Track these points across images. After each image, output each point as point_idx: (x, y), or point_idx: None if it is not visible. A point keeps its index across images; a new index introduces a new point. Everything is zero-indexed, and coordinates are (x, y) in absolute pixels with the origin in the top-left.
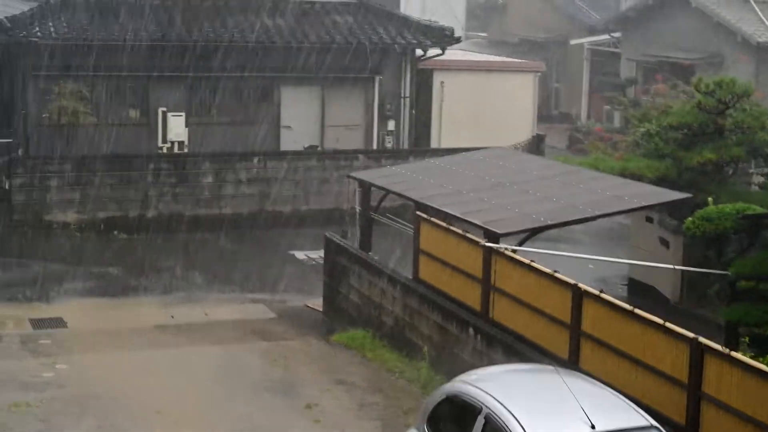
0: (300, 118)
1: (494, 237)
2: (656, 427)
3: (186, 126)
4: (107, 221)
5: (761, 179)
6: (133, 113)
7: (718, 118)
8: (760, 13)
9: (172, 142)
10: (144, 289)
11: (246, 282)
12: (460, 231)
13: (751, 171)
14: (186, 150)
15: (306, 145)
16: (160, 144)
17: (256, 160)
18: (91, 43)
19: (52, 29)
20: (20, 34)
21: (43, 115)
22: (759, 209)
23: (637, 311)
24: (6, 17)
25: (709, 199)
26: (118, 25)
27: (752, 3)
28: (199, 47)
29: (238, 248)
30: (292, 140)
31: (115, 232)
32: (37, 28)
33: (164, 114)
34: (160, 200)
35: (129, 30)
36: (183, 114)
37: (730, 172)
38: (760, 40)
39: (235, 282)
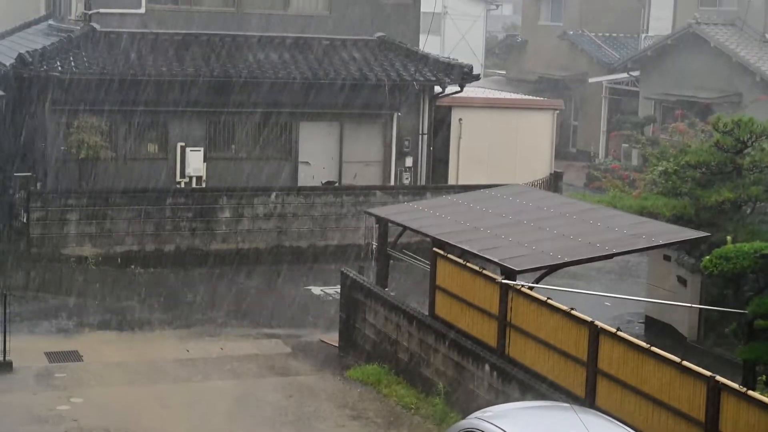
0: (318, 153)
1: (511, 274)
2: None
3: (204, 161)
4: (124, 255)
5: None
6: (152, 147)
7: (736, 157)
8: None
9: (191, 177)
10: (160, 323)
11: (262, 317)
12: (476, 267)
13: None
14: (204, 185)
15: (324, 181)
16: (178, 178)
17: (273, 195)
18: (110, 78)
19: (72, 64)
20: (41, 69)
21: (62, 149)
22: None
23: (654, 349)
24: (27, 51)
25: (727, 237)
26: (137, 60)
27: None
28: (218, 82)
29: (255, 283)
30: (310, 176)
31: (132, 267)
32: (58, 63)
33: (183, 149)
34: (177, 235)
35: (148, 65)
36: (201, 149)
37: (749, 211)
38: None
39: (251, 317)
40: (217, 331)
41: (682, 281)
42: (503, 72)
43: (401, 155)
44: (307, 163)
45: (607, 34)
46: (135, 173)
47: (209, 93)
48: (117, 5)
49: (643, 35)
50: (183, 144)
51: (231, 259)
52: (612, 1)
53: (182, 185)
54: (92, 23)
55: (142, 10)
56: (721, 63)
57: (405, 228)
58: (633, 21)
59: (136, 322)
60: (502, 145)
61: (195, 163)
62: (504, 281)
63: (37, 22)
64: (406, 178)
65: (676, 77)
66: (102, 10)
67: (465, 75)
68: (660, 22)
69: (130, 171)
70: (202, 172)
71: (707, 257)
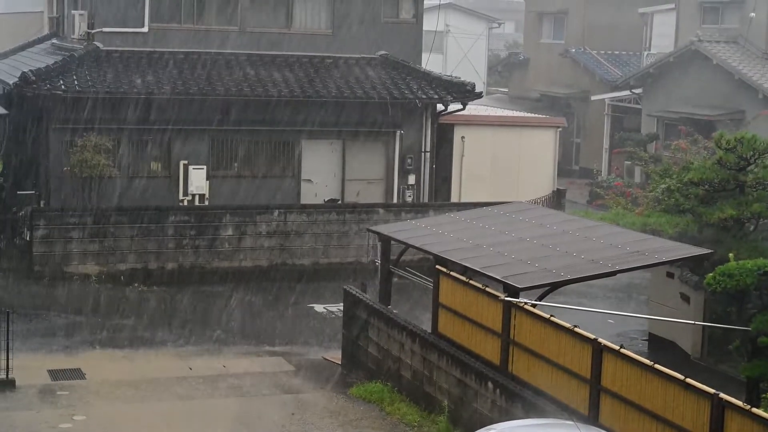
0: (321, 171)
1: (514, 291)
2: None
3: (207, 179)
4: (127, 273)
5: None
6: (155, 166)
7: (739, 174)
8: None
9: (193, 195)
10: (163, 340)
11: (264, 334)
12: (479, 285)
13: None
14: (207, 202)
15: (326, 199)
16: (181, 196)
17: (276, 213)
18: (114, 97)
19: (75, 82)
20: (44, 87)
21: (65, 168)
22: None
23: (657, 367)
24: (30, 70)
25: (730, 255)
26: (141, 78)
27: None
28: (221, 101)
29: (257, 301)
30: (312, 193)
31: (135, 284)
32: (61, 81)
33: (186, 167)
34: (180, 252)
35: (151, 83)
36: (204, 167)
37: (752, 228)
38: None
39: (253, 334)
40: (220, 348)
41: (686, 298)
42: (506, 90)
43: (404, 173)
44: (309, 180)
45: (610, 52)
46: (138, 191)
47: (212, 111)
48: (120, 24)
49: (646, 53)
50: (186, 162)
51: (233, 277)
52: (614, 19)
53: (185, 203)
54: (95, 42)
55: (145, 29)
56: (724, 80)
57: (407, 246)
58: (635, 38)
59: (139, 339)
60: (505, 163)
61: (198, 181)
62: (507, 299)
63: (40, 41)
64: (409, 196)
65: (678, 94)
66: (105, 29)
67: (467, 93)
68: (662, 40)
69: (134, 189)
70: (205, 190)
71: (710, 274)
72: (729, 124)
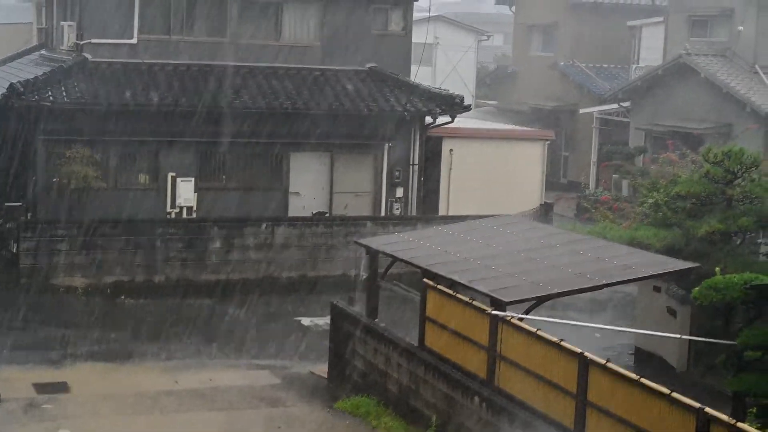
0: (309, 184)
1: (500, 305)
2: None
3: (195, 191)
4: (114, 286)
5: None
6: (143, 178)
7: (726, 188)
8: None
9: (181, 207)
10: (149, 354)
11: (251, 348)
12: (466, 298)
13: (759, 241)
14: (194, 215)
15: (314, 212)
16: (168, 209)
17: (264, 226)
18: (102, 108)
19: (64, 94)
20: (32, 98)
21: (53, 179)
22: (767, 279)
23: (644, 381)
24: (19, 81)
25: (717, 268)
26: (129, 90)
27: (761, 74)
28: (209, 113)
29: (245, 314)
30: (300, 206)
31: (122, 297)
32: (50, 93)
33: (173, 179)
34: (167, 265)
35: (140, 95)
36: (192, 179)
37: (738, 241)
38: None
39: (240, 348)
40: (206, 362)
41: (672, 312)
42: (494, 102)
43: (392, 186)
44: (297, 193)
45: (598, 65)
46: (126, 203)
47: (200, 123)
48: (109, 36)
49: (634, 66)
50: (174, 174)
51: (221, 290)
52: (603, 32)
53: (173, 215)
54: (84, 53)
55: (134, 41)
56: (712, 93)
57: (395, 259)
58: (624, 52)
59: (125, 353)
60: (493, 176)
61: (186, 193)
62: (493, 312)
63: (29, 52)
64: (397, 209)
65: (666, 108)
66: (94, 41)
67: (456, 106)
68: (651, 53)
69: (121, 201)
70: (193, 203)
71: (697, 288)
72: (717, 138)
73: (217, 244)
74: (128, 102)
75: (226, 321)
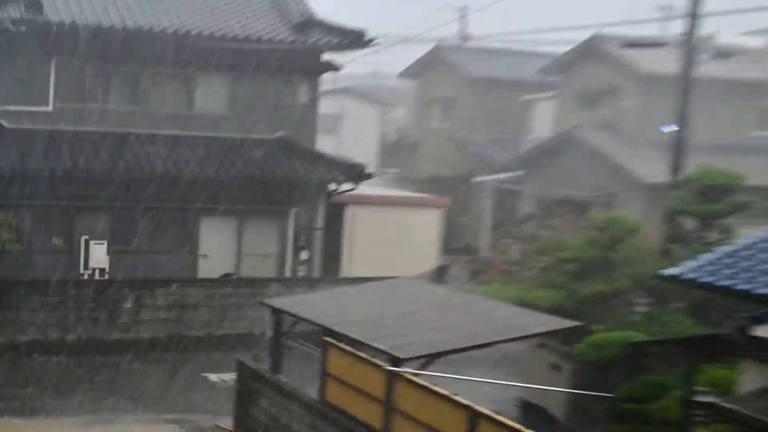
0: (217, 247)
1: (397, 361)
2: None
3: (107, 254)
4: (27, 344)
5: (645, 309)
6: (57, 241)
7: (608, 252)
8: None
9: (94, 269)
10: (60, 410)
11: (160, 403)
12: (364, 355)
13: (636, 301)
14: (107, 276)
15: (222, 273)
16: (82, 270)
17: (173, 286)
18: (17, 174)
19: None
20: None
21: None
22: (642, 337)
23: (527, 431)
24: None
25: (598, 327)
26: (44, 156)
27: (643, 147)
28: (123, 179)
29: (154, 371)
30: (209, 268)
31: (35, 355)
32: None
33: (87, 242)
34: (79, 324)
35: (55, 162)
36: (105, 242)
37: (618, 302)
38: (648, 181)
39: (149, 403)
40: (117, 417)
41: (557, 367)
42: (396, 170)
43: (297, 249)
44: (206, 255)
45: (494, 136)
46: (41, 265)
47: (113, 189)
48: (25, 103)
49: (527, 137)
50: (87, 237)
51: (132, 348)
52: (498, 106)
53: (86, 276)
54: (0, 120)
55: (50, 108)
56: (597, 164)
57: (298, 318)
58: (518, 124)
59: (38, 409)
60: (393, 240)
61: (98, 255)
62: (390, 368)
63: None
64: (301, 271)
65: (556, 177)
66: (10, 107)
67: (359, 174)
68: (542, 126)
69: (36, 263)
70: (106, 265)
71: (580, 345)
72: (602, 206)
73: (128, 304)
74: (43, 168)
75: (135, 378)
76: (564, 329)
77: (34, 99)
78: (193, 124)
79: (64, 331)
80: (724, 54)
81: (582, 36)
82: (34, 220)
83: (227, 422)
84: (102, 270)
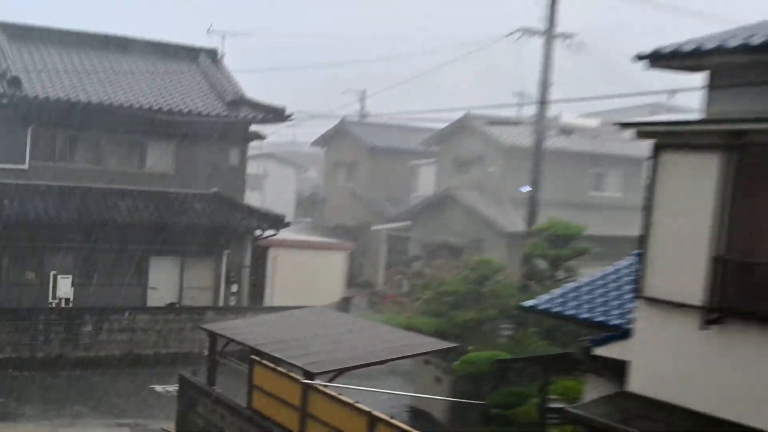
0: (164, 281)
1: (310, 375)
2: None
3: (72, 286)
4: (2, 362)
5: (509, 333)
6: (30, 275)
7: (478, 287)
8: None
9: (60, 299)
10: (30, 415)
11: (115, 410)
12: (284, 370)
13: (502, 326)
14: (71, 305)
15: (167, 303)
16: (50, 300)
17: (127, 313)
18: None
19: None
20: None
21: None
22: (506, 355)
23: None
24: None
25: (471, 347)
26: (20, 206)
27: (505, 203)
28: (85, 224)
29: (110, 383)
30: (157, 298)
31: (10, 370)
32: None
33: (55, 276)
34: (47, 345)
35: (28, 211)
36: (70, 276)
37: (487, 327)
38: (509, 230)
39: (106, 409)
40: (77, 421)
41: (439, 380)
42: (310, 220)
43: (229, 283)
44: (155, 288)
45: (387, 194)
46: (15, 295)
47: (78, 232)
48: (5, 162)
49: (414, 194)
50: (55, 272)
51: (91, 364)
52: (391, 169)
53: (53, 305)
54: None
55: (26, 167)
56: (470, 216)
57: (230, 339)
58: (406, 184)
59: (9, 414)
60: (306, 276)
61: (64, 287)
62: (304, 381)
63: None
64: (232, 301)
65: (437, 226)
66: None
67: (279, 222)
68: (426, 186)
69: (12, 293)
70: (70, 295)
71: (456, 362)
72: (473, 250)
73: (89, 328)
74: (19, 216)
75: (94, 389)
76: (444, 349)
77: (13, 158)
78: (144, 180)
79: (34, 350)
80: (566, 131)
81: (456, 115)
82: (10, 257)
83: (171, 425)
84: (67, 300)
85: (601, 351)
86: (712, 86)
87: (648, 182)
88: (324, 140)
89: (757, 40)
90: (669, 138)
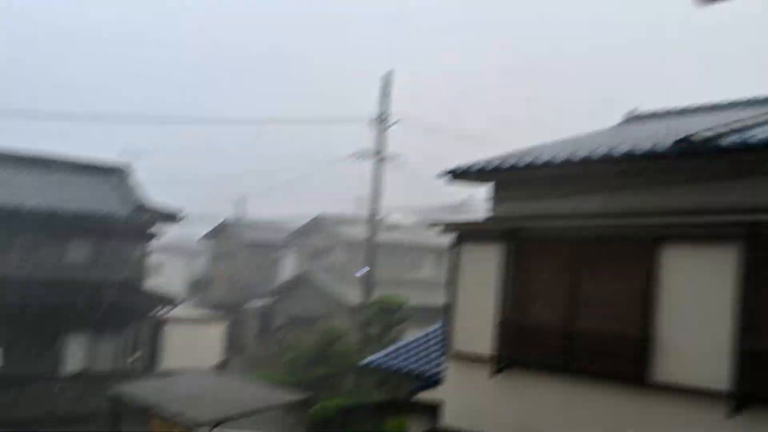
0: (77, 352)
1: (197, 424)
2: None
3: None
4: None
5: (352, 384)
6: None
7: (328, 348)
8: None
9: None
10: None
11: None
12: (176, 421)
13: (347, 380)
14: None
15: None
16: None
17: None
18: None
19: None
20: None
21: None
22: (350, 402)
23: None
24: None
25: (323, 396)
26: None
27: (349, 284)
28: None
29: None
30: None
31: None
32: None
33: None
34: None
35: None
36: None
37: (335, 380)
38: (351, 303)
39: None
40: None
41: (299, 423)
42: (197, 298)
43: (133, 351)
44: (72, 356)
45: (259, 277)
46: None
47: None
48: None
49: (279, 278)
50: None
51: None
52: (261, 258)
53: None
54: None
55: None
56: (321, 294)
57: (134, 398)
58: (274, 269)
59: None
60: (193, 344)
61: None
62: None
63: None
64: (136, 365)
65: (296, 302)
66: None
67: (172, 302)
68: (288, 270)
69: None
70: None
71: (313, 409)
72: (324, 320)
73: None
74: None
75: None
76: (303, 399)
77: None
78: (64, 270)
79: None
80: (392, 227)
81: (312, 215)
82: None
83: None
84: None
85: (421, 395)
86: (496, 194)
87: (451, 264)
88: (211, 235)
89: (521, 163)
90: (466, 232)
